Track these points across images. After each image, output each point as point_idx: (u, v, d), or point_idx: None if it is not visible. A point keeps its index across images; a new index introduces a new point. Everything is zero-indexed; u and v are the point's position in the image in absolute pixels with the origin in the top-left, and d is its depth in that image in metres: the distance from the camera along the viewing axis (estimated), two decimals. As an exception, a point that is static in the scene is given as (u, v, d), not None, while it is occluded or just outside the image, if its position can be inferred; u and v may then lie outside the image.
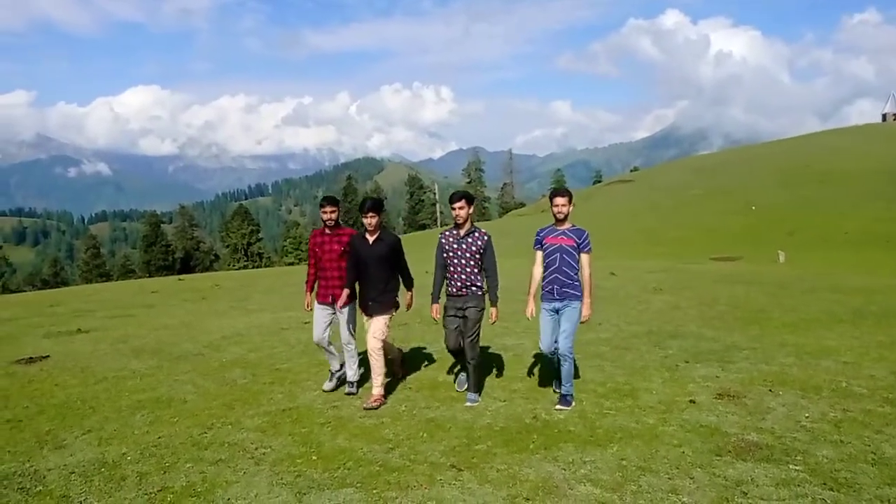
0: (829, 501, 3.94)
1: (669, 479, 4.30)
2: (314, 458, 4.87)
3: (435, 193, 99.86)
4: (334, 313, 6.49)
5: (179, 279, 29.30)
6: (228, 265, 68.79)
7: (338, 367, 6.79)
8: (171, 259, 74.20)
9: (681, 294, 13.49)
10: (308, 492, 4.28)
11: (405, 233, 78.40)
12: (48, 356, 8.78)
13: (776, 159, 60.65)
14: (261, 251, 74.17)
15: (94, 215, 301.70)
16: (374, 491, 4.26)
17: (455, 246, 6.03)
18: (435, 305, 6.20)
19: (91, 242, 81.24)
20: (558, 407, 5.80)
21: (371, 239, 6.17)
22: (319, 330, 6.54)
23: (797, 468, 4.41)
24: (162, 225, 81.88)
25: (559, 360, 5.90)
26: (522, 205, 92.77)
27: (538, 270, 6.01)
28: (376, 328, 6.16)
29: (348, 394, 6.47)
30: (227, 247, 74.69)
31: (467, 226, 6.03)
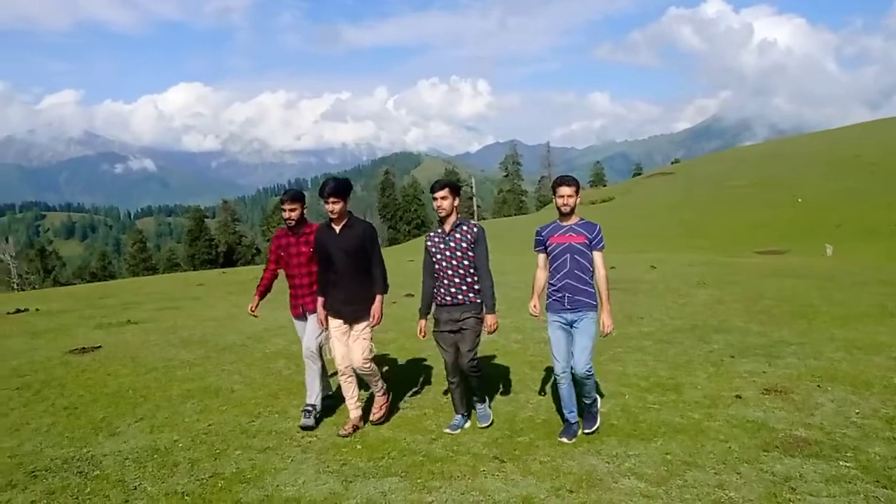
0: (882, 499, 3.85)
1: (716, 473, 4.26)
2: (359, 447, 4.95)
3: (472, 187, 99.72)
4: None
5: (223, 272, 29.95)
6: (269, 259, 69.84)
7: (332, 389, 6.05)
8: (215, 253, 75.81)
9: (725, 288, 13.25)
10: (354, 480, 4.35)
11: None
12: (100, 346, 9.08)
13: (823, 150, 59.02)
14: (301, 245, 75.07)
15: (140, 210, 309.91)
16: (419, 480, 4.31)
17: (442, 245, 5.12)
18: (421, 322, 5.30)
19: (137, 237, 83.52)
20: (585, 431, 5.02)
21: (338, 229, 5.20)
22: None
23: (848, 465, 4.32)
24: (205, 219, 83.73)
25: (576, 383, 4.98)
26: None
27: (542, 275, 5.12)
28: (357, 352, 5.19)
29: (304, 427, 5.35)
30: (269, 241, 75.90)
31: (452, 219, 5.12)
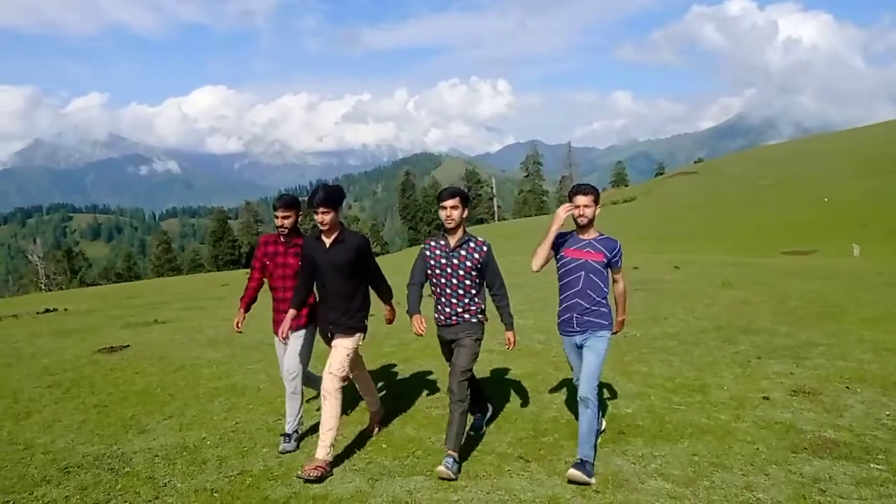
0: (915, 502, 3.80)
1: (743, 475, 4.22)
2: (384, 446, 4.99)
3: (492, 188, 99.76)
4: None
5: (247, 273, 30.24)
6: (291, 260, 70.42)
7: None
8: (238, 253, 76.66)
9: (750, 289, 13.11)
10: (379, 478, 4.38)
11: (464, 227, 78.17)
12: (128, 345, 9.23)
13: (850, 149, 58.09)
14: (322, 246, 75.73)
15: (164, 212, 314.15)
16: (444, 479, 4.33)
17: (444, 261, 4.62)
18: (417, 316, 4.59)
19: (162, 238, 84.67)
20: (572, 472, 4.15)
21: (328, 242, 4.66)
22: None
23: (879, 467, 4.26)
24: (228, 221, 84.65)
25: (578, 404, 4.44)
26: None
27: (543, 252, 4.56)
28: (334, 360, 4.65)
29: (283, 451, 4.95)
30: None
31: (459, 233, 4.61)
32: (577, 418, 4.59)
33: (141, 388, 6.95)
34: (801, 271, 17.00)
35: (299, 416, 5.11)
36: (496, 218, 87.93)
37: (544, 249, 4.53)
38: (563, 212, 4.41)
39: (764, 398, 5.74)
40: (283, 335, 4.91)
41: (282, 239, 5.17)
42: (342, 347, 4.69)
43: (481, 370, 7.05)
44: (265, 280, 5.37)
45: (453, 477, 4.29)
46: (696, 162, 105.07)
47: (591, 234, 4.53)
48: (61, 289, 53.45)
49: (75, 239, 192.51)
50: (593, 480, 4.16)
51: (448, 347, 4.80)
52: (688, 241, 34.08)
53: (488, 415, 5.38)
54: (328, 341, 4.86)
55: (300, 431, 5.17)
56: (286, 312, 4.97)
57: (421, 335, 4.59)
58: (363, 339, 4.86)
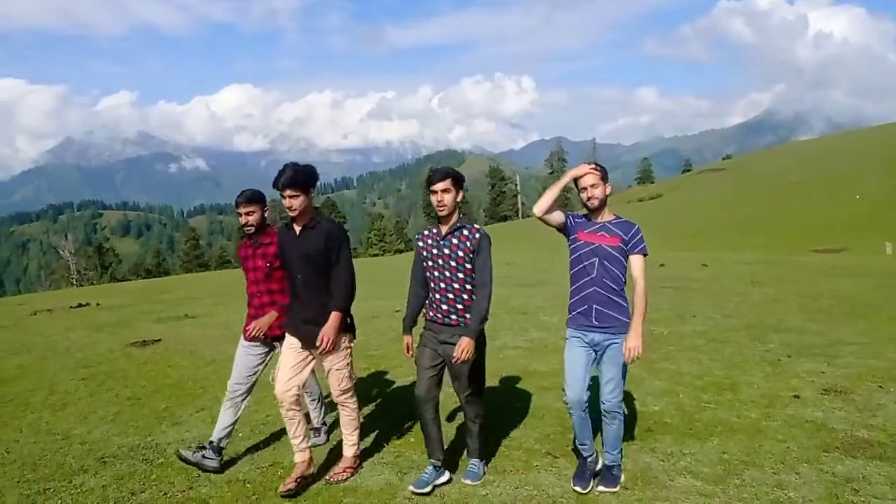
0: (952, 504, 3.74)
1: (774, 473, 4.19)
2: (412, 440, 5.03)
3: (516, 184, 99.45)
4: (269, 350, 4.75)
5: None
6: (316, 256, 70.99)
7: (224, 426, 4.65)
8: (264, 250, 77.19)
9: (781, 287, 12.93)
10: (408, 472, 4.42)
11: (486, 224, 78.46)
12: (160, 340, 9.41)
13: (883, 145, 56.85)
14: (347, 243, 76.26)
15: (192, 209, 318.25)
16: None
17: (435, 251, 4.12)
18: (407, 338, 4.31)
19: (190, 234, 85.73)
20: (601, 489, 4.05)
21: (298, 229, 4.18)
22: (238, 376, 4.70)
23: (915, 468, 4.19)
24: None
25: (602, 417, 4.05)
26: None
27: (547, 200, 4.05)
28: (334, 383, 4.33)
29: (313, 445, 4.71)
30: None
31: (453, 219, 4.09)
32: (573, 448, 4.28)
33: (173, 381, 7.08)
34: (833, 269, 16.71)
35: (320, 414, 5.16)
36: (520, 215, 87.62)
37: (552, 192, 4.05)
38: (581, 170, 3.97)
39: (794, 397, 5.67)
40: (249, 335, 4.50)
41: (252, 240, 4.65)
42: (334, 370, 4.27)
43: (507, 367, 7.07)
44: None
45: (483, 476, 4.31)
46: (724, 158, 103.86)
47: (605, 217, 3.98)
48: (92, 284, 54.50)
49: (106, 235, 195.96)
50: (622, 478, 4.15)
51: (434, 347, 4.13)
52: (716, 239, 33.67)
53: (443, 477, 4.31)
54: (301, 343, 4.25)
55: (327, 423, 5.25)
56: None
57: (407, 357, 4.29)
58: (352, 340, 4.38)
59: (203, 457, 4.52)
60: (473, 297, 4.07)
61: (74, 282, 62.15)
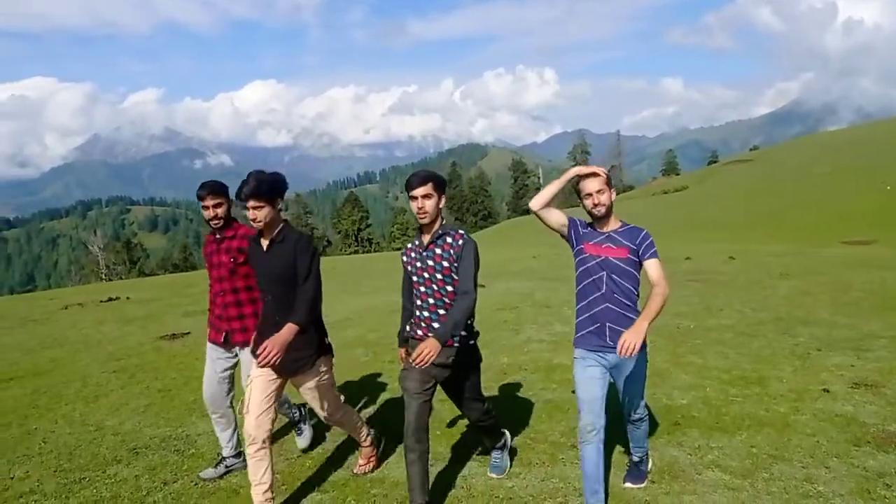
0: None
1: (803, 467, 4.15)
2: (437, 433, 5.05)
3: (539, 178, 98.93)
4: (235, 356, 4.43)
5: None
6: (340, 251, 71.49)
7: (228, 439, 4.53)
8: (288, 245, 78.02)
9: (810, 279, 12.73)
10: (434, 464, 4.45)
11: (509, 218, 78.19)
12: (189, 333, 9.55)
13: (916, 134, 55.55)
14: (370, 237, 76.77)
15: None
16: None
17: (419, 264, 3.75)
18: (402, 350, 4.04)
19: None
20: (628, 485, 3.99)
21: (265, 244, 3.80)
22: (210, 383, 4.47)
23: (949, 463, 4.13)
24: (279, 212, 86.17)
25: (627, 425, 3.94)
26: (631, 188, 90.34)
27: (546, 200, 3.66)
28: (317, 406, 4.04)
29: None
30: (339, 233, 77.74)
31: (435, 227, 3.69)
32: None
33: (201, 373, 7.10)
34: (863, 261, 16.41)
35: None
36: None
37: (553, 188, 3.67)
38: (585, 169, 3.60)
39: (824, 391, 5.60)
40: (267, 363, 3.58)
41: (217, 235, 4.34)
42: (313, 386, 3.89)
43: (532, 361, 7.07)
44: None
45: (508, 467, 4.33)
46: (751, 149, 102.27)
47: (610, 226, 3.59)
48: (121, 278, 55.40)
49: (133, 230, 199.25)
50: (651, 468, 4.14)
51: (423, 372, 3.62)
52: (743, 231, 33.18)
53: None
54: (267, 367, 3.65)
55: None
56: (225, 321, 4.29)
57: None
58: (331, 361, 4.02)
59: (226, 466, 4.47)
60: None
61: (103, 276, 63.23)
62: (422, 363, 3.32)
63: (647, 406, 3.86)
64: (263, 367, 3.57)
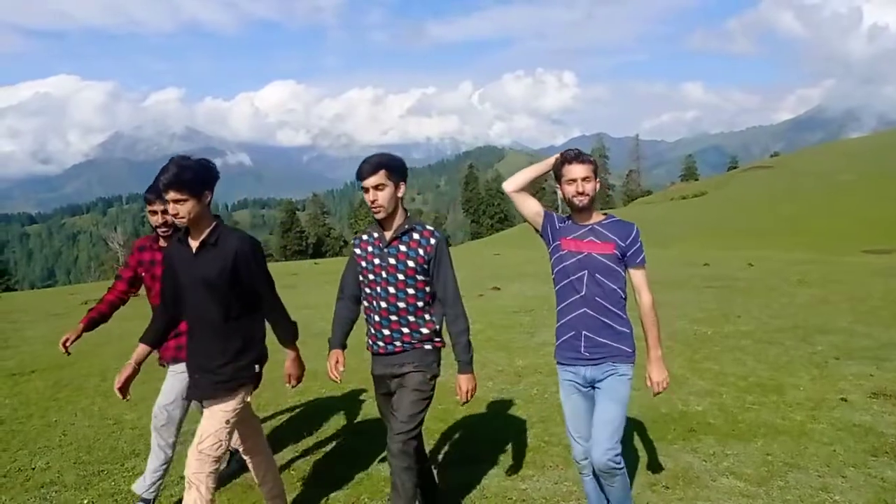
0: None
1: (819, 476, 4.11)
2: (450, 436, 5.08)
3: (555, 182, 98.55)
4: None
5: (315, 263, 31.03)
6: (357, 251, 71.81)
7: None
8: (305, 244, 78.58)
9: (829, 287, 12.60)
10: (447, 466, 4.48)
11: (524, 222, 77.85)
12: (206, 330, 9.65)
13: (942, 142, 54.73)
14: (387, 238, 77.12)
15: (236, 203, 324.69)
16: (511, 469, 4.38)
17: (377, 261, 3.23)
18: (335, 352, 3.35)
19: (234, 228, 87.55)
20: None
21: (194, 245, 3.11)
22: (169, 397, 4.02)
23: (969, 476, 4.07)
24: (296, 212, 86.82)
25: (597, 477, 3.20)
26: (649, 192, 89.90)
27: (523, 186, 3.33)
28: (206, 430, 3.12)
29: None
30: (356, 233, 78.10)
31: (397, 221, 3.21)
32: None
33: (219, 370, 7.26)
34: (884, 270, 16.19)
35: (159, 477, 4.03)
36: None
37: (532, 170, 3.35)
38: (569, 153, 3.19)
39: (842, 400, 5.55)
40: (119, 385, 3.37)
41: (160, 243, 3.87)
42: (218, 411, 3.14)
43: (548, 364, 7.06)
44: (129, 296, 4.20)
45: None
46: (771, 156, 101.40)
47: (593, 218, 3.16)
48: (140, 275, 56.00)
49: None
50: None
51: (386, 389, 3.36)
52: (762, 238, 32.86)
53: None
54: (195, 397, 3.35)
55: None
56: (173, 337, 3.71)
57: (334, 381, 3.31)
58: (251, 393, 3.30)
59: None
60: (427, 316, 3.25)
61: (123, 273, 63.85)
62: (467, 401, 3.27)
63: (620, 459, 3.08)
64: (212, 403, 3.15)
